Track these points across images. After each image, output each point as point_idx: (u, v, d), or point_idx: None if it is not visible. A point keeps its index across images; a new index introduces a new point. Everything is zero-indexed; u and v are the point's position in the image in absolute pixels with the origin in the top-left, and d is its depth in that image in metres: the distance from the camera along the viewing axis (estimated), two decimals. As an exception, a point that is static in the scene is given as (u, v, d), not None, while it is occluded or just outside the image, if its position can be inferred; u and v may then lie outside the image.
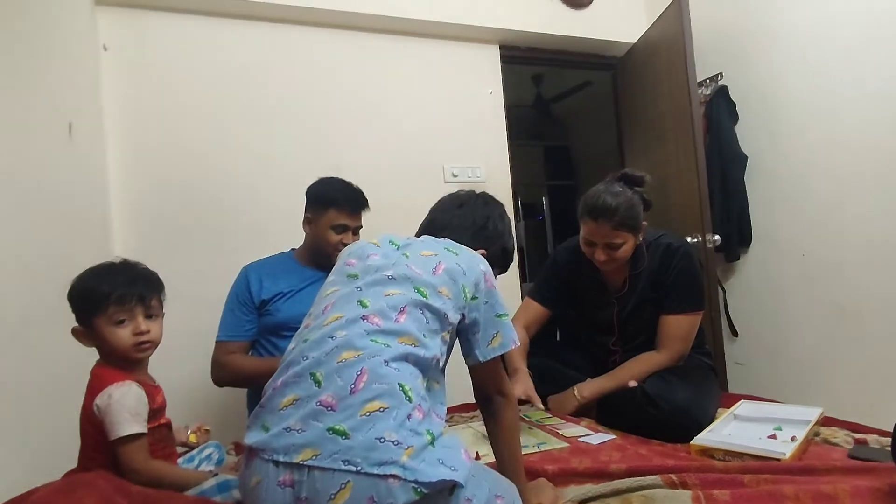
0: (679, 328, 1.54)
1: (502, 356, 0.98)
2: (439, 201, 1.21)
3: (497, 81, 2.65)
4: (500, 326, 0.96)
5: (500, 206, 1.20)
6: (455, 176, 2.50)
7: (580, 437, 1.38)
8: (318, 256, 1.72)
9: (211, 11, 2.12)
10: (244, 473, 0.76)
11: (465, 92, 2.57)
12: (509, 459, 1.00)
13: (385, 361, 0.76)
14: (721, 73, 2.46)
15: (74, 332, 1.06)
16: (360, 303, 0.86)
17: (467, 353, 0.97)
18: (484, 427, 1.06)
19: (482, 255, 1.05)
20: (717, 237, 2.21)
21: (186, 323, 1.66)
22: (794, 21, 2.18)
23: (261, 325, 1.67)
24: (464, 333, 0.95)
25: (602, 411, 1.52)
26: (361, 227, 1.77)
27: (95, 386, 1.02)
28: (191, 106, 2.10)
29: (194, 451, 1.26)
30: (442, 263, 0.93)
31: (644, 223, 1.56)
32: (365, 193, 1.77)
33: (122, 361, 1.06)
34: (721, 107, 2.42)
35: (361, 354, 0.77)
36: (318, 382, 0.75)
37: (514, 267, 2.61)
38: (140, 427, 1.00)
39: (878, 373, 1.94)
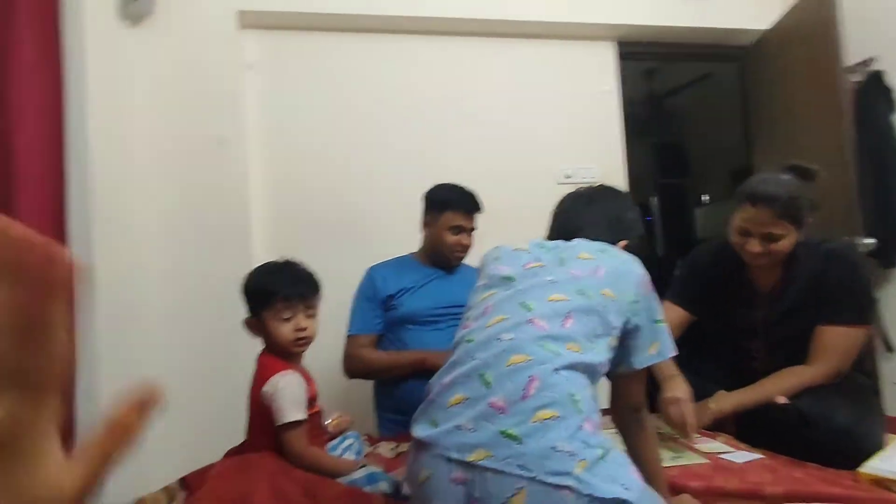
0: (837, 341, 1.38)
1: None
2: (562, 203, 1.19)
3: (613, 79, 2.57)
4: (658, 333, 0.93)
5: (625, 193, 1.19)
6: (568, 177, 2.46)
7: (720, 453, 1.29)
8: (436, 257, 1.82)
9: (340, 27, 2.26)
10: (412, 467, 0.80)
11: (579, 91, 2.52)
12: (656, 474, 0.97)
13: (555, 369, 0.77)
14: (873, 58, 2.20)
15: (247, 323, 1.18)
16: (524, 305, 0.86)
17: (620, 359, 0.94)
18: None
19: (624, 246, 1.04)
20: (871, 240, 1.98)
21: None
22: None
23: (386, 319, 1.77)
24: (623, 339, 0.92)
25: (743, 427, 1.41)
26: (475, 228, 1.82)
27: (262, 374, 1.13)
28: (324, 117, 2.25)
29: (336, 441, 1.35)
30: (602, 266, 0.92)
31: (809, 220, 1.41)
32: (479, 196, 1.83)
33: (284, 353, 1.16)
34: (874, 95, 2.16)
35: (531, 360, 0.77)
36: (487, 384, 0.77)
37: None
38: (302, 414, 1.09)
39: None
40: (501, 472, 0.69)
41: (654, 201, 4.68)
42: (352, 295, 1.83)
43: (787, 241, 1.38)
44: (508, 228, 2.24)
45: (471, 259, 1.85)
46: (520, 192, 2.36)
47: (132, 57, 1.96)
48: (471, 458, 0.71)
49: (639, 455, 0.97)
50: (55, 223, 1.22)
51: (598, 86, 2.55)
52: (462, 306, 1.78)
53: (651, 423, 1.00)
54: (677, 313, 1.63)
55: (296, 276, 1.19)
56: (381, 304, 1.77)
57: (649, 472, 0.96)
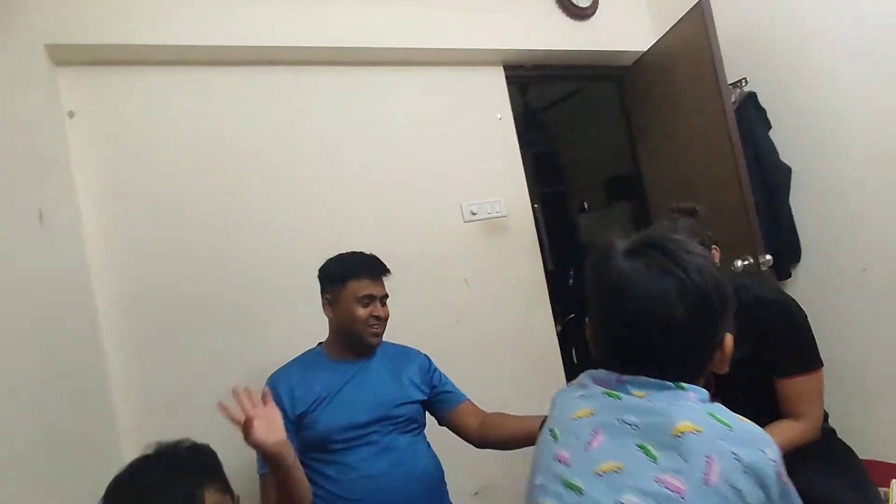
0: (811, 389, 1.33)
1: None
2: (619, 296, 0.74)
3: (505, 105, 2.44)
4: None
5: (693, 256, 0.73)
6: (474, 214, 2.27)
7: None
8: (350, 340, 1.50)
9: (183, 61, 1.82)
10: None
11: (473, 121, 2.35)
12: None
13: None
14: (745, 79, 2.32)
15: None
16: None
17: None
18: None
19: (732, 332, 0.74)
20: (768, 257, 2.05)
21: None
22: (826, 18, 2.05)
23: (301, 442, 1.40)
24: None
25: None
26: (388, 295, 1.55)
27: None
28: (173, 168, 1.79)
29: None
30: (714, 460, 0.63)
31: (715, 249, 1.42)
32: (381, 252, 1.57)
33: None
34: (751, 114, 2.27)
35: None
36: None
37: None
38: None
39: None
40: None
41: (538, 210, 4.75)
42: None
43: None
44: (416, 278, 2.03)
45: (391, 334, 1.58)
46: (424, 235, 2.13)
47: None
48: None
49: None
50: None
51: (492, 113, 2.41)
52: (396, 402, 1.46)
53: None
54: None
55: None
56: (291, 426, 1.38)
57: None
